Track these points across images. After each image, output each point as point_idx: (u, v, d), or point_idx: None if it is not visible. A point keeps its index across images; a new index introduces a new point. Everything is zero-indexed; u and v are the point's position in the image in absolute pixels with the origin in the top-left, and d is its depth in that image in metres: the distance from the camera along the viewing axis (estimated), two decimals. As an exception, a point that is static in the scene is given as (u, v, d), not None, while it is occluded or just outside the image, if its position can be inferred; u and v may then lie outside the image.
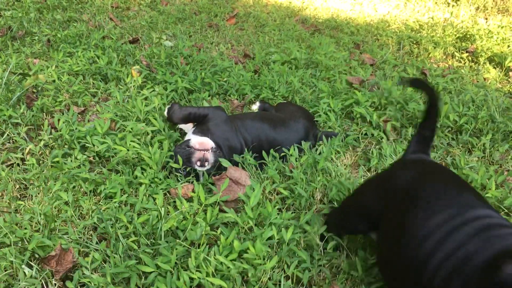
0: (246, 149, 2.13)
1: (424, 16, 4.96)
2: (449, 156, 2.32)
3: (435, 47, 3.90)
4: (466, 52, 3.85)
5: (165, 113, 2.36)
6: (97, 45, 3.28)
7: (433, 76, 3.17)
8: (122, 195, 1.85)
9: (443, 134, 2.46)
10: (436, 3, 5.35)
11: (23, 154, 2.11)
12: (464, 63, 3.69)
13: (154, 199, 1.84)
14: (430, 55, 3.79)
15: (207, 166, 1.95)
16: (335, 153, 2.28)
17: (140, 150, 2.03)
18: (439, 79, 3.07)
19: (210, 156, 1.96)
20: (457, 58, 3.78)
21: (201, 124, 2.20)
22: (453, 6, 5.40)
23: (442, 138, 2.42)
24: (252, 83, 2.94)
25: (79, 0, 4.34)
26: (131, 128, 2.21)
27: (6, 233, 1.56)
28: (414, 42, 4.09)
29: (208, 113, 2.22)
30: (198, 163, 1.94)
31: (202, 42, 3.75)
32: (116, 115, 2.42)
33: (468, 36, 4.15)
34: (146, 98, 2.62)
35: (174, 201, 1.84)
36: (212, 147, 2.00)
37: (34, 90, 2.65)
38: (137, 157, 2.04)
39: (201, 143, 1.99)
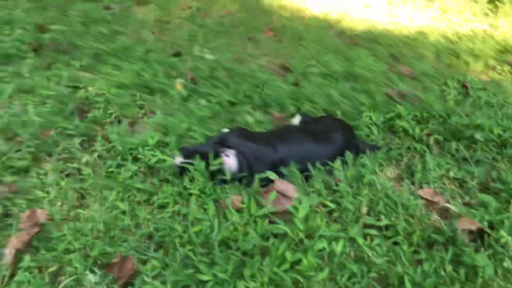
0: (290, 162, 2.16)
1: (462, 27, 4.91)
2: (494, 170, 2.30)
3: (475, 60, 3.85)
4: (508, 64, 3.80)
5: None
6: (142, 58, 3.39)
7: (474, 89, 3.15)
8: (174, 205, 1.92)
9: (488, 148, 2.44)
10: (474, 14, 5.29)
11: (78, 164, 2.21)
12: (505, 76, 3.64)
13: (205, 209, 1.90)
14: (470, 68, 3.75)
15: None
16: (378, 166, 2.30)
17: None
18: (480, 92, 3.04)
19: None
20: (498, 70, 3.74)
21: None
22: (492, 17, 5.33)
23: (486, 153, 2.41)
24: (292, 96, 2.99)
25: (122, 15, 4.48)
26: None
27: (70, 240, 1.65)
28: (453, 54, 4.05)
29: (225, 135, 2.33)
30: None
31: (242, 55, 3.83)
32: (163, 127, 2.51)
33: (508, 48, 4.09)
34: (191, 112, 2.71)
35: (224, 212, 1.89)
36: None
37: (85, 103, 2.77)
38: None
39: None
